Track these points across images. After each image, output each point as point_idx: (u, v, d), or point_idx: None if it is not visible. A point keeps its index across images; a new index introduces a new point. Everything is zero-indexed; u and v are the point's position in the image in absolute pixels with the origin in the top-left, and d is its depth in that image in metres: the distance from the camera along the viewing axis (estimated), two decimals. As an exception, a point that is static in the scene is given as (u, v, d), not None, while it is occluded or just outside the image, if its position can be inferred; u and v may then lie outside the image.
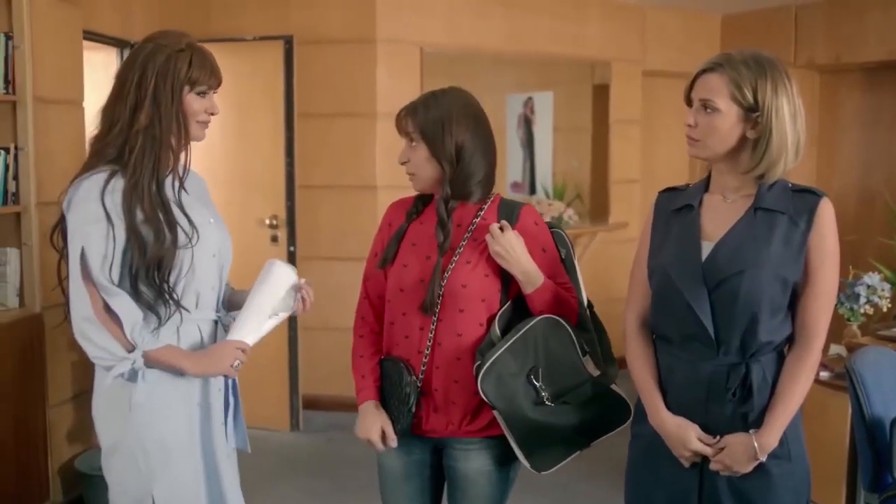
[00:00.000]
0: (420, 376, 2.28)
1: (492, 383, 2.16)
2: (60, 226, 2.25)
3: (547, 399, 2.21)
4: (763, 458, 2.02)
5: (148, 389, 2.20)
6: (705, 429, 2.08)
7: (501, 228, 2.22)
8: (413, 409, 2.27)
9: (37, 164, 3.89)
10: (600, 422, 2.31)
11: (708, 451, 2.06)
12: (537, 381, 2.21)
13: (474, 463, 2.31)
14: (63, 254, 2.25)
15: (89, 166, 2.23)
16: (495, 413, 2.20)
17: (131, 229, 2.15)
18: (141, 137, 2.20)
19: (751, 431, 2.03)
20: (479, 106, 2.34)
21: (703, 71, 2.08)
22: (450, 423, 2.29)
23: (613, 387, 2.33)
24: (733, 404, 2.05)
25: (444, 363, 2.26)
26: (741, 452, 2.02)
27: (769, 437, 2.02)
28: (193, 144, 2.33)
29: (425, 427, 2.32)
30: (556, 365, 2.24)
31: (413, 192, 2.41)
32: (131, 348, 2.16)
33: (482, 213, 2.32)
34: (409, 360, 2.29)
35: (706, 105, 2.05)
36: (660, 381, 2.17)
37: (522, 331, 2.20)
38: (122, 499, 2.29)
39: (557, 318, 2.26)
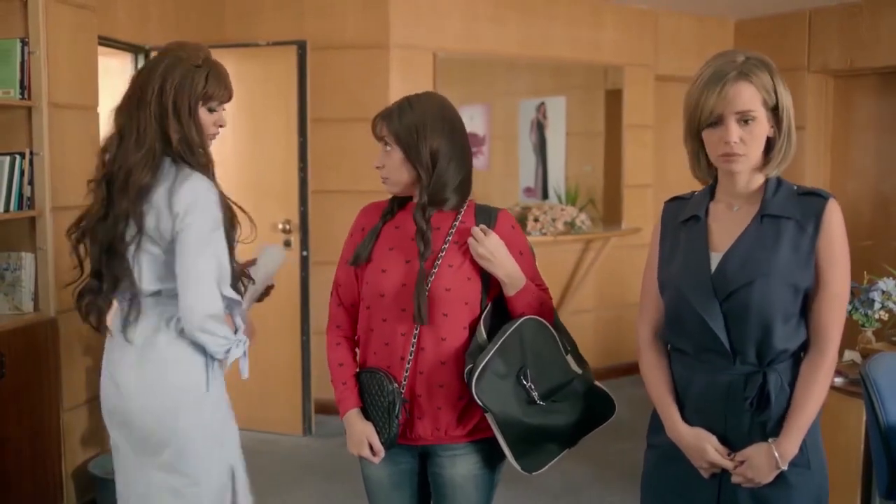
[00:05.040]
0: (403, 383, 2.26)
1: (485, 387, 2.15)
2: (139, 213, 2.31)
3: (538, 398, 2.21)
4: (785, 467, 2.00)
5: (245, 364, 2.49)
6: (725, 439, 2.06)
7: (483, 232, 2.23)
8: (399, 418, 2.25)
9: (52, 170, 3.92)
10: (587, 419, 2.31)
11: (728, 464, 2.04)
12: (527, 381, 2.21)
13: (460, 469, 2.30)
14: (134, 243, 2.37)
15: (152, 158, 2.31)
16: (488, 416, 2.20)
17: (228, 229, 2.42)
18: (186, 148, 2.33)
19: (770, 440, 2.01)
20: (454, 111, 2.34)
21: (725, 83, 1.99)
22: (435, 428, 2.28)
23: (597, 383, 2.34)
24: (751, 413, 2.03)
25: (428, 368, 2.25)
26: (763, 463, 2.00)
27: (789, 444, 1.99)
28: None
29: (411, 435, 2.30)
30: (543, 364, 2.24)
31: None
32: (236, 330, 2.44)
33: (461, 216, 2.32)
34: (389, 367, 2.27)
35: (745, 117, 2.01)
36: (675, 392, 2.15)
37: (508, 332, 2.20)
38: (209, 481, 2.42)
39: (539, 318, 2.27)
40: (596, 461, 4.68)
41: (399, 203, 2.38)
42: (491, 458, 2.32)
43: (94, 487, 4.08)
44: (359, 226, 2.42)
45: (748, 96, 2.00)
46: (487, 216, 2.32)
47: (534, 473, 2.28)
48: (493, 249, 2.22)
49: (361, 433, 2.29)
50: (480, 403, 2.16)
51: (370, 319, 2.31)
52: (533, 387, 2.21)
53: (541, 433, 2.24)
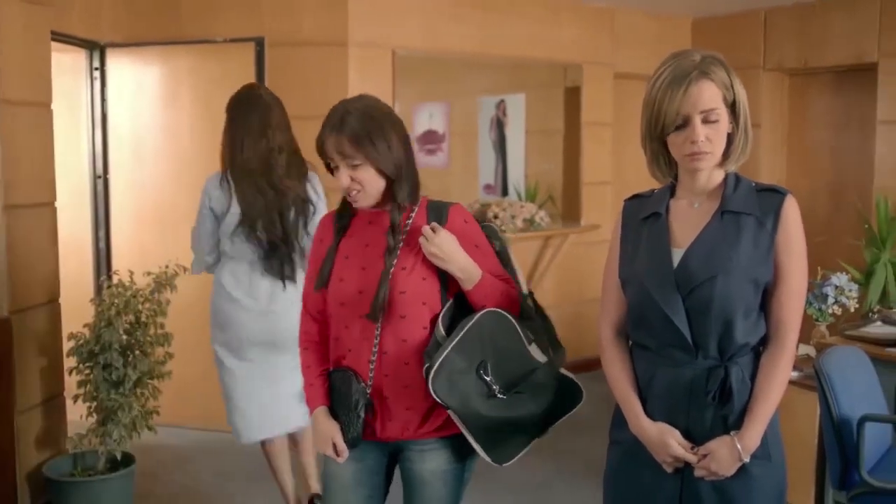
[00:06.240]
0: (369, 383, 2.26)
1: (443, 383, 2.16)
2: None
3: (499, 392, 2.22)
4: (747, 459, 2.02)
5: None
6: (687, 433, 2.08)
7: (433, 229, 2.23)
8: (362, 416, 2.25)
9: (4, 167, 3.84)
10: (554, 407, 2.32)
11: (691, 458, 2.05)
12: (487, 376, 2.21)
13: (429, 464, 2.31)
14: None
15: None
16: (450, 412, 2.21)
17: None
18: None
19: (732, 433, 2.03)
20: (387, 105, 2.34)
21: (689, 84, 2.00)
22: (405, 428, 2.29)
23: (563, 370, 2.35)
24: (714, 407, 2.05)
25: (393, 370, 2.26)
26: (726, 456, 2.02)
27: (751, 437, 2.02)
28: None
29: (381, 435, 2.31)
30: (503, 356, 2.24)
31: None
32: None
33: (412, 217, 2.31)
34: (357, 370, 2.28)
35: (710, 116, 2.02)
36: (637, 388, 2.16)
37: (466, 327, 2.20)
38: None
39: (499, 310, 2.26)
40: (557, 456, 4.70)
41: (348, 214, 2.37)
42: (460, 453, 2.33)
43: (49, 490, 4.01)
44: (318, 238, 2.44)
45: (711, 95, 2.02)
46: (439, 213, 2.31)
47: (505, 465, 2.29)
48: (442, 246, 2.21)
49: (327, 432, 2.31)
50: (439, 400, 2.17)
51: (335, 328, 2.35)
52: (493, 380, 2.22)
53: (507, 425, 2.25)
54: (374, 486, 2.39)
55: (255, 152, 3.56)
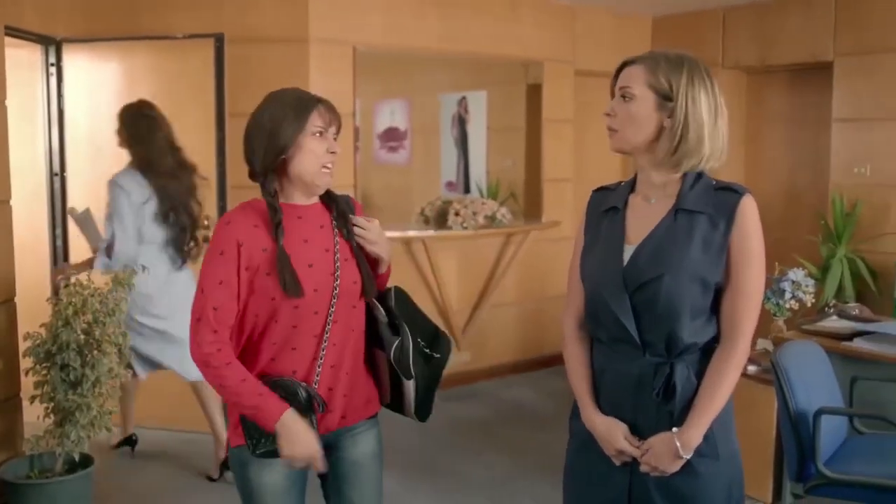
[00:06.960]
0: (317, 379, 2.24)
1: (414, 358, 2.30)
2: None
3: (433, 352, 2.37)
4: (687, 456, 2.02)
5: None
6: (635, 428, 2.09)
7: (366, 219, 2.33)
8: (319, 413, 2.22)
9: (-43, 164, 3.77)
10: (443, 360, 2.44)
11: (635, 452, 2.07)
12: (421, 340, 2.35)
13: (362, 447, 2.38)
14: None
15: None
16: (410, 384, 2.31)
17: None
18: None
19: (673, 430, 2.04)
20: None
21: (626, 64, 2.10)
22: (342, 416, 2.32)
23: None
24: (658, 403, 2.06)
25: (340, 361, 2.29)
26: (664, 452, 2.03)
27: (691, 435, 2.02)
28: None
29: (318, 429, 2.25)
30: (418, 322, 2.39)
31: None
32: None
33: (332, 211, 2.35)
34: (295, 372, 2.22)
35: (624, 94, 2.06)
36: (595, 380, 2.18)
37: (394, 304, 2.35)
38: None
39: (399, 286, 2.42)
40: (518, 452, 4.71)
41: (271, 211, 2.24)
42: (380, 430, 2.44)
43: (6, 493, 3.95)
44: (233, 243, 2.18)
45: (631, 75, 2.07)
46: (346, 204, 2.36)
47: (427, 422, 2.41)
48: (379, 233, 2.33)
49: (308, 437, 2.17)
50: (413, 376, 2.29)
51: (278, 332, 2.21)
52: (424, 344, 2.36)
53: (433, 382, 2.40)
54: (302, 485, 2.36)
55: (166, 163, 4.40)
